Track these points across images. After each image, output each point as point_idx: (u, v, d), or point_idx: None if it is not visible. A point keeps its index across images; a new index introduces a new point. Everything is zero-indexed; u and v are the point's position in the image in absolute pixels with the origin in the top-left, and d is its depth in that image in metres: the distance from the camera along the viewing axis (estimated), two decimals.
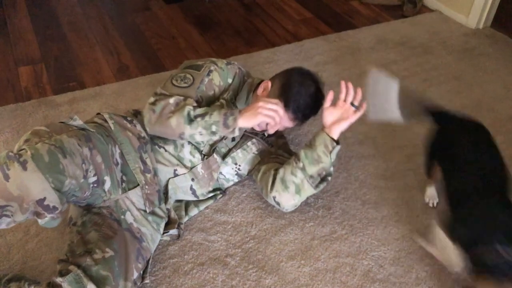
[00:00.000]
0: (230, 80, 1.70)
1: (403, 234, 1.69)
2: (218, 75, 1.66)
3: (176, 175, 1.64)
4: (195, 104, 1.55)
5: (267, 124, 1.60)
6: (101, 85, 2.37)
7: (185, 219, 1.68)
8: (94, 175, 1.37)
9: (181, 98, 1.54)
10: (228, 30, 2.91)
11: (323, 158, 1.56)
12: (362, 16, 3.09)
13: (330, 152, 1.56)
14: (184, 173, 1.64)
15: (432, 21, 3.02)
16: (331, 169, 1.60)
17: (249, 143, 1.73)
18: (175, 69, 1.87)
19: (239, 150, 1.72)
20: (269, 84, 1.67)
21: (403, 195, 1.84)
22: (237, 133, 1.51)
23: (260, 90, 1.67)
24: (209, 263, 1.55)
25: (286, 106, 1.60)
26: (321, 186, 1.60)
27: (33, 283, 1.32)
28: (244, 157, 1.74)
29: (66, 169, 1.25)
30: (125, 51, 2.67)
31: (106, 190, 1.45)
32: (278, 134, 1.85)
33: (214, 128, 1.49)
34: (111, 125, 1.55)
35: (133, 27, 2.91)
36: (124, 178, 1.52)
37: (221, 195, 1.77)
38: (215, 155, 1.67)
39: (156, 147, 1.62)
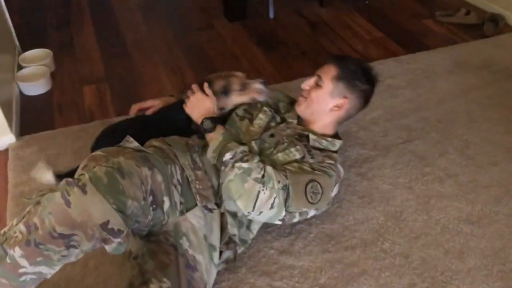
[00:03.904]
0: None
1: None
2: None
3: None
4: None
5: None
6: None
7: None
8: (151, 194, 1.32)
9: None
10: (293, 50, 2.79)
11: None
12: (437, 36, 2.88)
13: None
14: None
15: None
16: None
17: (292, 149, 1.58)
18: None
19: (280, 154, 1.58)
20: None
21: (492, 244, 1.63)
22: None
23: None
24: None
25: None
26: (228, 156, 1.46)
27: None
28: (283, 160, 1.57)
29: (126, 190, 1.23)
30: (188, 71, 2.61)
31: (164, 211, 1.39)
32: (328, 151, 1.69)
33: None
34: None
35: (196, 46, 2.86)
36: (182, 200, 1.45)
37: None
38: (253, 143, 1.60)
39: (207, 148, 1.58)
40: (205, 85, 1.63)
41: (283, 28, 3.02)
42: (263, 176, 1.43)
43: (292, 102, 1.86)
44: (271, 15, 3.12)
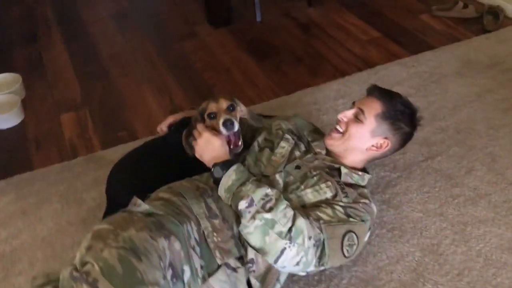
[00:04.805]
0: None
1: None
2: None
3: None
4: None
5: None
6: (155, 134, 2.07)
7: None
8: (170, 267, 1.15)
9: None
10: (287, 57, 2.58)
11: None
12: (437, 32, 2.72)
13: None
14: None
15: None
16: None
17: (323, 185, 1.40)
18: None
19: (309, 190, 1.39)
20: None
21: None
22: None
23: None
24: None
25: None
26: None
27: None
28: (314, 199, 1.38)
29: (145, 276, 1.06)
30: (176, 89, 2.36)
31: (185, 282, 1.20)
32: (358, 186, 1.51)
33: None
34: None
35: (181, 58, 2.61)
36: (202, 263, 1.26)
37: None
38: (277, 176, 1.41)
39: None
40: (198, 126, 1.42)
41: (273, 32, 2.80)
42: (289, 229, 1.22)
43: (317, 129, 1.69)
44: (258, 18, 2.89)
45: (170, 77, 2.45)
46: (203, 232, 1.28)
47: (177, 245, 1.19)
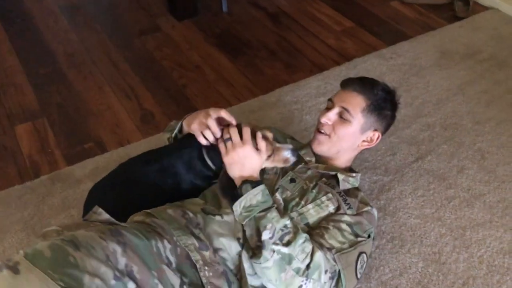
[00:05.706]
0: None
1: None
2: None
3: (243, 244, 1.23)
4: None
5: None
6: (125, 145, 1.89)
7: None
8: (131, 279, 1.01)
9: None
10: (261, 51, 2.43)
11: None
12: (410, 20, 2.65)
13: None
14: None
15: (493, 23, 2.60)
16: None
17: (323, 198, 1.31)
18: None
19: (310, 205, 1.30)
20: None
21: None
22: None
23: None
24: None
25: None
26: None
27: None
28: (317, 215, 1.30)
29: (81, 263, 0.96)
30: (144, 92, 2.17)
31: None
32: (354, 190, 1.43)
33: None
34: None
35: (145, 55, 2.40)
36: (184, 279, 1.12)
37: None
38: (277, 195, 1.31)
39: (210, 215, 1.25)
40: (259, 135, 1.24)
41: (242, 24, 2.63)
42: (308, 266, 1.12)
43: (294, 139, 1.60)
44: (225, 8, 2.72)
45: (135, 78, 2.25)
46: (189, 258, 1.15)
47: (136, 258, 1.05)
